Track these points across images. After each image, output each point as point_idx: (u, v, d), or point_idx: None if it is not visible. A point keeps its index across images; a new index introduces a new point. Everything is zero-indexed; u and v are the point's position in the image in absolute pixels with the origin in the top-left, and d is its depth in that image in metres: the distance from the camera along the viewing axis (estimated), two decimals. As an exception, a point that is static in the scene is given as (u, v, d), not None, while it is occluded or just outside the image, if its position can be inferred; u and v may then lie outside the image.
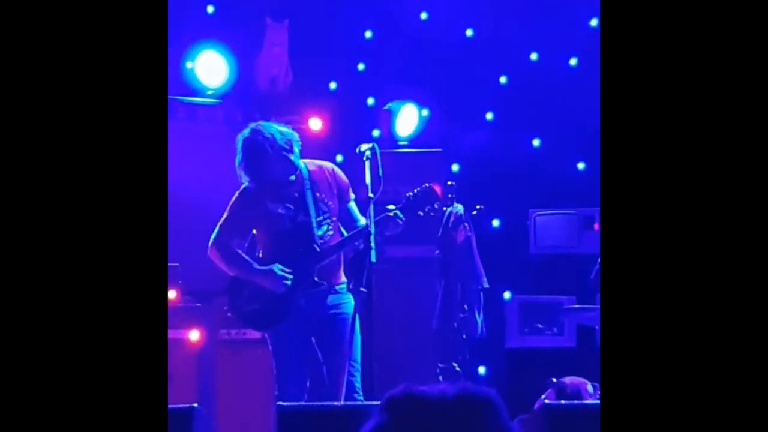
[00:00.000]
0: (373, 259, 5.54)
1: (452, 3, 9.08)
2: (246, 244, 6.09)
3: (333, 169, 6.12)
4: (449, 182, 7.26)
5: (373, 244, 5.57)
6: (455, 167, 8.82)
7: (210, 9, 8.82)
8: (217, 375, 7.35)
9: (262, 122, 6.09)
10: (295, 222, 5.95)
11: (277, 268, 5.90)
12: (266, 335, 6.04)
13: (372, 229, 5.61)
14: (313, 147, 6.50)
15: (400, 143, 8.35)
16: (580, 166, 8.89)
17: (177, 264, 7.27)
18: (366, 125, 8.50)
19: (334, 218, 5.98)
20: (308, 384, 5.90)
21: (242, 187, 6.07)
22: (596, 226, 8.11)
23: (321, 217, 5.94)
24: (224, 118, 8.20)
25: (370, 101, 8.94)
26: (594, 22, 8.73)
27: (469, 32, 9.12)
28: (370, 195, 5.77)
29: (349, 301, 5.96)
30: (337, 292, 5.97)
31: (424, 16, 9.14)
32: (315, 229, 5.92)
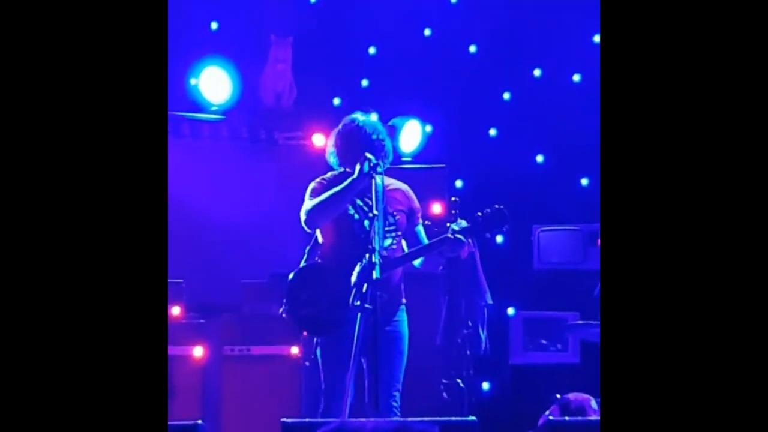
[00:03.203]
0: (378, 275, 5.52)
1: (456, 19, 9.10)
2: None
3: (408, 191, 6.08)
4: (453, 198, 7.25)
5: (377, 260, 5.55)
6: (459, 183, 8.83)
7: (214, 25, 8.85)
8: (221, 391, 7.34)
9: (362, 113, 6.18)
10: (362, 226, 5.87)
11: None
12: (317, 349, 5.94)
13: (376, 246, 5.59)
14: (317, 163, 6.48)
15: (404, 159, 8.35)
16: (584, 181, 8.90)
17: (181, 280, 7.27)
18: (370, 141, 8.49)
19: (400, 233, 5.96)
20: (350, 401, 5.79)
21: (319, 178, 6.04)
22: (600, 242, 8.10)
23: (388, 229, 5.93)
24: (229, 134, 8.22)
25: (374, 117, 8.94)
26: (597, 38, 8.74)
27: (472, 48, 9.14)
28: (375, 212, 5.76)
29: (403, 320, 5.97)
30: (396, 310, 5.96)
31: (427, 32, 9.17)
32: (380, 239, 5.80)
